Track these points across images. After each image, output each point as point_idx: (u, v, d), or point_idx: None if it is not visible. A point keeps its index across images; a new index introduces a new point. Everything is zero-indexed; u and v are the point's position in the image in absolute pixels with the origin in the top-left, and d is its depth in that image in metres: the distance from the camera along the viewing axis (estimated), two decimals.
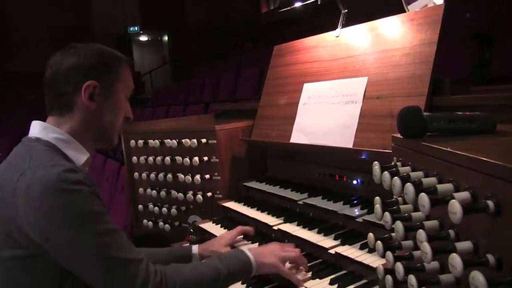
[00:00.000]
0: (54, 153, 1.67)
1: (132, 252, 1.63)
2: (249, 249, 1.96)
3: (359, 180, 2.25)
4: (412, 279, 1.17)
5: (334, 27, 2.47)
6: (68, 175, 1.53)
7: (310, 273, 1.89)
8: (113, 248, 1.57)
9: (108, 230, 1.58)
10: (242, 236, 2.36)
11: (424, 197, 1.07)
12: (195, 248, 2.23)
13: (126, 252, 1.59)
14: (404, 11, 2.30)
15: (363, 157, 2.03)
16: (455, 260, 0.97)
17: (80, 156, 1.77)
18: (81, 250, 1.54)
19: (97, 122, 1.80)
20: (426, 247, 1.08)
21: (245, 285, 2.02)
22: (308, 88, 2.50)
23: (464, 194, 1.02)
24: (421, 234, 1.12)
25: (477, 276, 0.90)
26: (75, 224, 1.52)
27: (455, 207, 0.97)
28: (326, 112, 2.30)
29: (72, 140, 1.75)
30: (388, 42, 2.13)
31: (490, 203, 0.95)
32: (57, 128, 1.75)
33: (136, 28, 17.48)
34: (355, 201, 2.15)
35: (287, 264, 1.95)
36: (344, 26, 2.43)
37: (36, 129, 1.76)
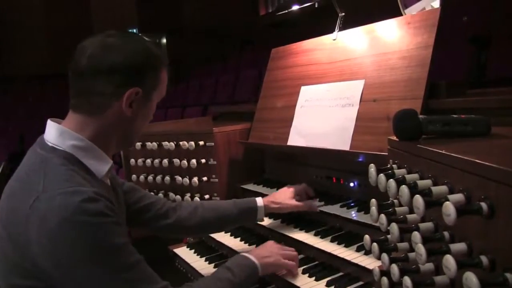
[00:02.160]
0: (71, 167, 1.49)
1: (156, 281, 1.54)
2: (249, 252, 1.95)
3: (356, 183, 2.26)
4: (407, 280, 1.18)
5: (331, 30, 2.48)
6: (88, 206, 1.39)
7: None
8: (140, 281, 1.48)
9: (132, 263, 1.48)
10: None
11: (418, 199, 1.08)
12: (260, 201, 2.23)
13: (150, 283, 1.51)
14: (401, 15, 2.31)
15: (360, 159, 2.04)
16: (449, 261, 0.98)
17: (101, 166, 1.60)
18: (102, 286, 1.44)
19: (126, 128, 1.65)
20: (420, 248, 1.09)
21: None
22: (306, 91, 2.51)
23: (458, 196, 1.03)
24: (416, 236, 1.13)
25: (470, 277, 0.91)
26: (97, 259, 1.41)
27: (449, 209, 0.98)
28: (323, 115, 2.31)
29: (93, 148, 1.58)
30: (385, 45, 2.14)
31: (483, 205, 0.96)
32: (78, 132, 1.57)
33: (134, 30, 17.48)
34: (352, 204, 2.16)
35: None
36: (341, 29, 2.45)
37: (52, 134, 1.57)
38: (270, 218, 2.40)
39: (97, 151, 1.60)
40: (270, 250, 1.95)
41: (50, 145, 1.55)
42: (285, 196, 2.24)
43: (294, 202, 2.24)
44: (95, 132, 1.59)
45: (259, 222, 2.33)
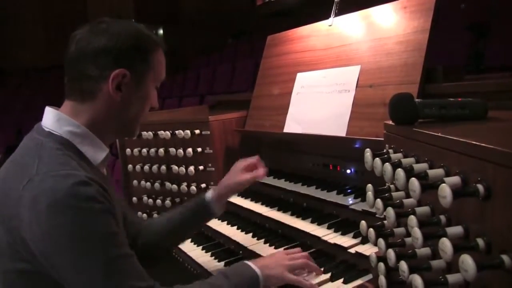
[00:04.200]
0: (66, 152, 1.48)
1: (143, 278, 1.48)
2: (253, 261, 1.80)
3: (352, 170, 2.25)
4: (403, 265, 1.16)
5: (328, 17, 2.45)
6: (80, 190, 1.36)
7: (329, 274, 1.77)
8: (123, 275, 1.42)
9: (119, 255, 1.43)
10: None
11: (414, 182, 1.06)
12: (208, 194, 2.06)
13: (136, 279, 1.45)
14: None
15: (356, 145, 2.03)
16: (445, 244, 0.97)
17: (97, 154, 1.59)
18: (88, 276, 1.39)
19: (121, 114, 1.62)
20: (416, 232, 1.08)
21: None
22: (301, 78, 2.49)
23: (455, 179, 1.02)
24: (412, 219, 1.12)
25: (467, 260, 0.90)
26: (83, 247, 1.37)
27: (445, 191, 0.96)
28: (319, 101, 2.30)
29: (89, 134, 1.57)
30: (381, 30, 2.12)
31: (480, 187, 0.94)
32: (73, 119, 1.56)
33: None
34: (349, 190, 2.15)
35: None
36: (337, 15, 2.42)
37: (49, 119, 1.56)
38: (266, 206, 2.38)
39: (94, 138, 1.59)
40: (276, 261, 1.78)
41: (47, 130, 1.55)
42: (231, 177, 2.06)
43: (241, 178, 2.04)
44: (90, 119, 1.57)
45: (255, 211, 2.31)
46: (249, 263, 1.77)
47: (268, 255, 1.93)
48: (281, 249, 2.02)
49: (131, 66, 1.57)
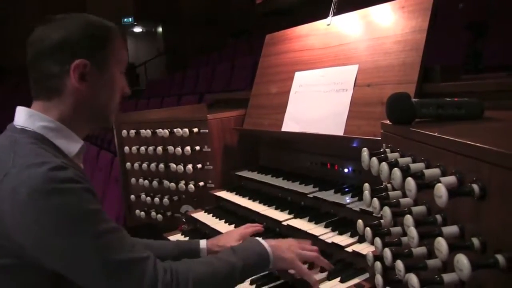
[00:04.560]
0: (42, 146, 1.48)
1: (136, 250, 1.47)
2: (265, 240, 1.81)
3: (350, 169, 2.26)
4: (399, 264, 1.17)
5: (326, 17, 2.45)
6: (57, 174, 1.37)
7: (326, 273, 1.77)
8: (115, 248, 1.42)
9: (107, 229, 1.42)
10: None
11: (410, 182, 1.07)
12: (203, 243, 2.08)
13: (129, 252, 1.44)
14: None
15: (354, 144, 2.03)
16: (441, 244, 0.97)
17: (72, 146, 1.59)
18: (80, 255, 1.39)
19: (91, 104, 1.61)
20: (412, 231, 1.08)
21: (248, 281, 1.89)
22: (300, 77, 2.49)
23: (450, 179, 1.02)
24: (408, 219, 1.13)
25: (462, 259, 0.90)
26: (70, 227, 1.37)
27: (440, 190, 0.97)
28: (317, 100, 2.30)
29: (62, 128, 1.57)
30: (379, 29, 2.13)
31: (475, 186, 0.95)
32: (45, 114, 1.56)
33: (130, 19, 17.40)
34: (346, 189, 2.15)
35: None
36: (335, 14, 2.43)
37: (22, 117, 1.57)
38: (264, 204, 2.39)
39: (67, 132, 1.59)
40: (288, 246, 1.80)
41: (20, 127, 1.56)
42: (229, 239, 2.08)
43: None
44: (61, 114, 1.58)
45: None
46: (261, 240, 1.79)
47: (279, 239, 1.93)
48: None
49: (90, 55, 1.57)
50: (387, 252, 1.25)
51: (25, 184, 1.35)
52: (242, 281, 1.73)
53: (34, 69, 1.58)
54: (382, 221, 1.36)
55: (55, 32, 1.55)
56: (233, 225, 2.41)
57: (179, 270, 1.53)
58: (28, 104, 1.61)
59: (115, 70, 1.66)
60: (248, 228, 2.20)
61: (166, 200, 2.99)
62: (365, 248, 1.75)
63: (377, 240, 1.34)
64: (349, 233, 1.90)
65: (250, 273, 1.74)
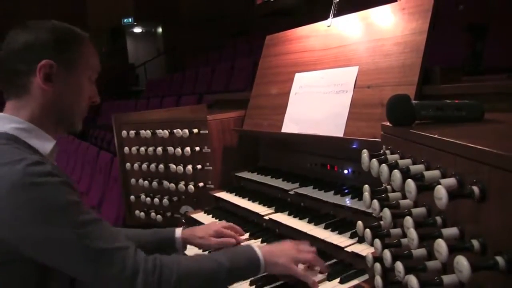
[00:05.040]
0: (16, 146, 1.52)
1: (117, 240, 1.51)
2: (259, 246, 1.80)
3: (350, 170, 2.26)
4: (399, 265, 1.17)
5: (327, 18, 2.46)
6: (34, 168, 1.42)
7: (326, 274, 1.76)
8: (95, 238, 1.45)
9: (87, 220, 1.47)
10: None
11: (410, 183, 1.07)
12: (178, 232, 2.11)
13: (109, 241, 1.48)
14: (395, 0, 2.29)
15: (354, 146, 2.03)
16: (440, 245, 0.97)
17: (45, 145, 1.63)
18: (61, 245, 1.43)
19: (57, 106, 1.65)
20: (412, 233, 1.08)
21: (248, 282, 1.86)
22: (300, 78, 2.49)
23: (450, 180, 1.03)
24: (408, 220, 1.13)
25: (461, 261, 0.90)
26: (50, 218, 1.41)
27: (440, 192, 0.97)
28: (317, 102, 2.30)
29: (34, 128, 1.61)
30: (379, 31, 2.13)
31: (475, 188, 0.95)
32: (16, 116, 1.61)
33: (130, 19, 17.41)
34: (346, 191, 2.15)
35: (300, 265, 1.79)
36: (335, 15, 2.43)
37: None
38: (264, 205, 2.39)
39: (38, 131, 1.63)
40: (283, 250, 1.79)
41: None
42: (206, 232, 2.13)
43: (213, 240, 2.11)
44: (31, 113, 1.62)
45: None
46: (253, 246, 1.80)
47: (275, 244, 1.92)
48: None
49: (57, 57, 1.62)
50: (387, 254, 1.25)
51: (3, 182, 1.39)
52: (229, 282, 1.74)
53: (5, 68, 1.63)
54: (382, 222, 1.36)
55: (26, 33, 1.62)
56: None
57: (164, 261, 1.56)
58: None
59: (83, 76, 1.71)
60: (228, 228, 2.21)
61: (165, 200, 2.99)
62: (364, 249, 1.75)
63: (377, 242, 1.34)
64: (348, 234, 1.90)
65: (238, 276, 1.74)
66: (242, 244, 2.13)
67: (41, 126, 1.64)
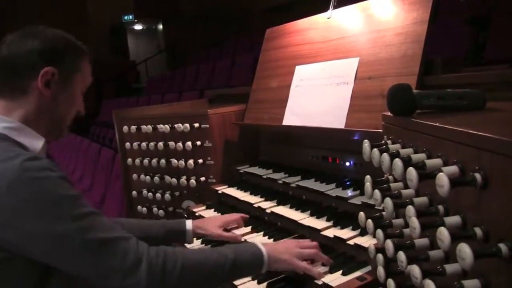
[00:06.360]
0: (7, 144, 1.53)
1: (117, 231, 1.53)
2: (263, 243, 1.82)
3: (351, 162, 2.25)
4: (401, 255, 1.16)
5: (327, 10, 2.44)
6: (32, 163, 1.43)
7: (328, 266, 1.76)
8: (95, 230, 1.46)
9: (86, 212, 1.48)
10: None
11: (412, 171, 1.06)
12: (189, 224, 2.16)
13: (110, 232, 1.50)
14: None
15: (355, 137, 2.02)
16: (443, 233, 0.97)
17: (35, 143, 1.64)
18: (62, 239, 1.43)
19: (50, 112, 1.68)
20: (414, 222, 1.07)
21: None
22: (300, 71, 2.48)
23: (452, 168, 1.02)
24: (410, 209, 1.12)
25: (464, 248, 0.90)
26: (50, 213, 1.42)
27: (442, 180, 0.96)
28: (318, 94, 2.29)
29: (24, 128, 1.62)
30: (380, 22, 2.11)
31: (477, 175, 0.94)
32: (6, 116, 1.61)
33: (130, 16, 17.40)
34: (348, 183, 2.14)
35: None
36: (335, 7, 2.41)
37: None
38: (265, 199, 2.38)
39: (28, 130, 1.64)
40: (285, 248, 1.81)
41: None
42: (212, 224, 2.19)
43: (218, 231, 2.18)
44: (23, 115, 1.63)
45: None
46: (257, 243, 1.82)
47: (278, 241, 1.97)
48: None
49: (61, 66, 1.66)
50: (389, 244, 1.24)
51: (2, 177, 1.40)
52: (232, 277, 1.75)
53: (5, 66, 1.64)
54: (383, 213, 1.35)
55: (36, 38, 1.64)
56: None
57: (168, 251, 1.57)
58: None
59: (78, 88, 1.76)
60: (233, 215, 2.29)
61: (167, 195, 2.98)
62: (367, 241, 1.74)
63: (379, 232, 1.33)
64: (351, 227, 1.89)
65: (242, 270, 1.74)
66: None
67: (32, 127, 1.65)
